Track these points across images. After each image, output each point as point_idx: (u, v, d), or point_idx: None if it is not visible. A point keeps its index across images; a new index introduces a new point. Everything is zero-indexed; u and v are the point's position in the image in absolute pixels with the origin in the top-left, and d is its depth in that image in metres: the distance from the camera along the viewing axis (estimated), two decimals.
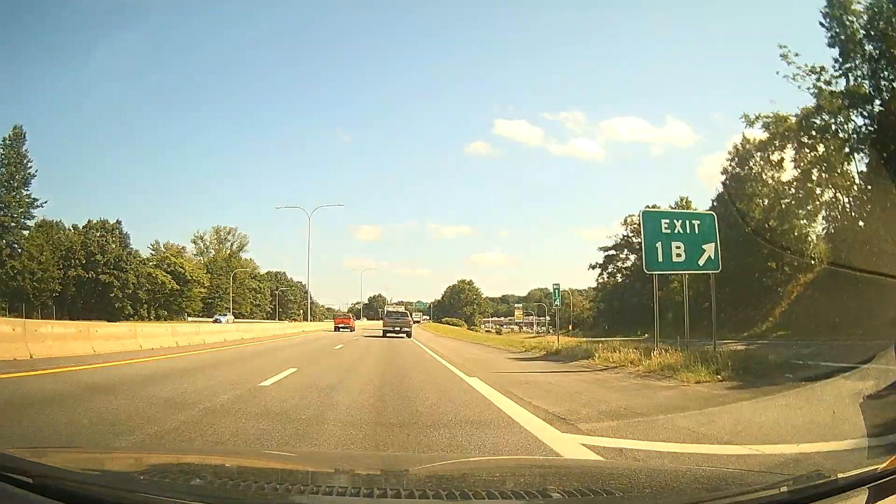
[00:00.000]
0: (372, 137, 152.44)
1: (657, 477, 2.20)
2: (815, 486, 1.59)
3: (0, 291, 55.18)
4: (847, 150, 30.50)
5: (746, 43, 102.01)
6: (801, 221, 36.92)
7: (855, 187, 31.96)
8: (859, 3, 27.73)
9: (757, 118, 35.93)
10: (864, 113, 28.69)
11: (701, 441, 4.78)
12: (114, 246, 69.67)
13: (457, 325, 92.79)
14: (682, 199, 68.67)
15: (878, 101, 27.55)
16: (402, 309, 42.36)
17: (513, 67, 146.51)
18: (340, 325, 49.04)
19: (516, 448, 4.66)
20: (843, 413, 4.94)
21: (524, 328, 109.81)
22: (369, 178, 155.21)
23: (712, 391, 7.78)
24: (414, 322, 47.24)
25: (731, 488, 1.84)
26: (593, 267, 70.06)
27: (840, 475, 1.62)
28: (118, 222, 72.07)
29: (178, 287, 76.30)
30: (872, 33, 27.31)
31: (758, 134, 38.82)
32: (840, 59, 28.93)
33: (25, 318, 25.31)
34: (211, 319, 62.29)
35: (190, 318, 69.91)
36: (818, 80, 29.82)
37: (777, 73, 30.89)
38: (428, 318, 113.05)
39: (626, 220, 70.04)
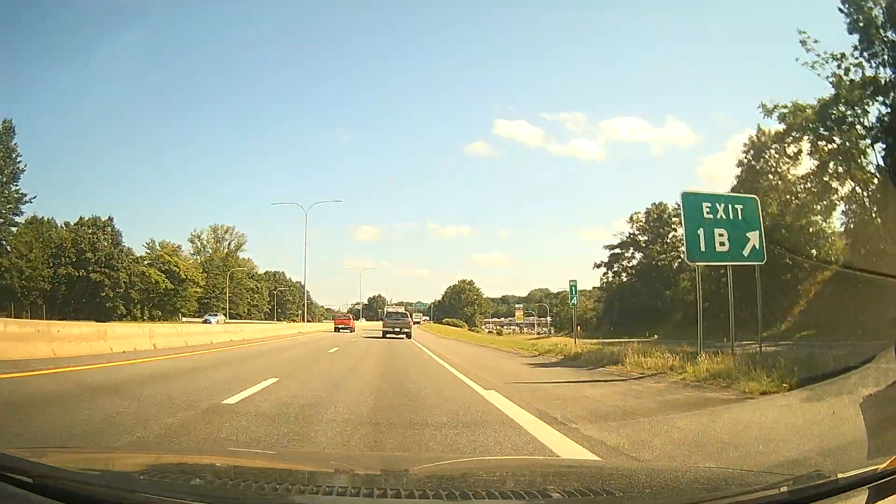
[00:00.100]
0: (372, 137, 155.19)
1: (657, 477, 2.24)
2: (815, 486, 1.62)
3: None
4: (868, 140, 30.44)
5: (746, 43, 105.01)
6: (817, 218, 36.82)
7: (876, 179, 31.82)
8: None
9: (775, 108, 35.86)
10: (886, 101, 28.65)
11: None
12: (105, 243, 69.65)
13: (457, 326, 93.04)
14: None
15: None
16: (401, 310, 43.04)
17: (513, 67, 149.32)
18: (340, 326, 49.90)
19: None
20: None
21: (525, 329, 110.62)
22: (369, 178, 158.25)
23: (798, 407, 6.62)
24: (414, 323, 47.80)
25: (731, 488, 1.87)
26: (598, 266, 70.52)
27: (840, 475, 1.65)
28: (110, 219, 72.00)
29: (173, 287, 76.32)
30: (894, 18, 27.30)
31: (773, 125, 38.72)
32: (860, 46, 28.89)
33: (14, 317, 24.66)
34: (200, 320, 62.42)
35: (184, 319, 70.01)
36: (839, 66, 29.80)
37: (796, 59, 30.85)
38: (428, 318, 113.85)
39: (632, 218, 70.30)
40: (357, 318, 75.20)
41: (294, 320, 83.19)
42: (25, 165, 58.70)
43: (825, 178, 34.89)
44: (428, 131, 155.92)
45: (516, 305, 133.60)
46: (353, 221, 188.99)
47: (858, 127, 30.38)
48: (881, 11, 27.85)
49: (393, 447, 5.12)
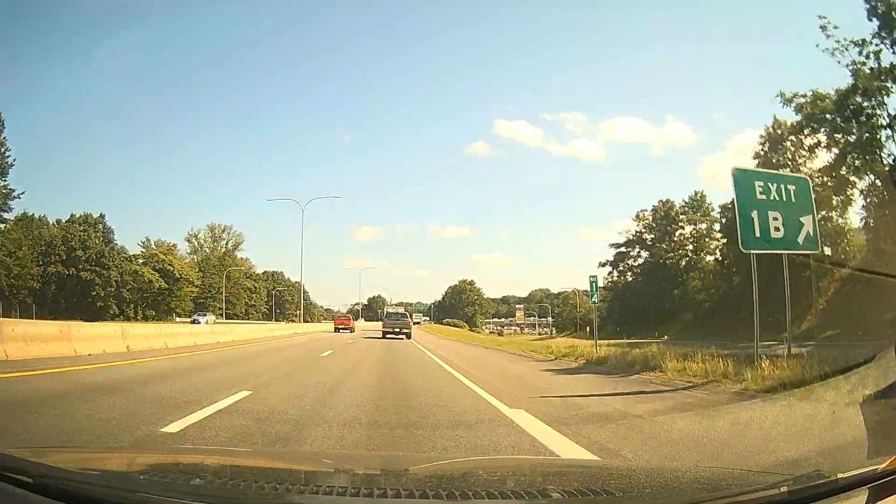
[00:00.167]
0: (372, 137, 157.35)
1: (657, 477, 2.29)
2: (815, 486, 1.67)
3: None
4: (889, 131, 30.35)
5: (746, 43, 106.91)
6: (833, 213, 36.70)
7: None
8: None
9: (793, 96, 35.76)
10: None
11: None
12: (96, 241, 69.68)
13: (458, 327, 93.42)
14: (696, 194, 68.48)
15: None
16: (401, 310, 43.83)
17: (513, 67, 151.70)
18: (340, 327, 51.19)
19: None
20: None
21: (526, 330, 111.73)
22: (369, 178, 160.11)
23: None
24: (414, 323, 48.75)
25: (731, 488, 1.92)
26: (603, 265, 70.77)
27: (840, 475, 1.69)
28: (101, 216, 72.18)
29: (167, 286, 76.46)
30: None
31: (789, 115, 38.59)
32: (880, 33, 28.82)
33: (2, 317, 24.55)
34: (189, 319, 62.47)
35: (178, 319, 70.16)
36: (860, 53, 29.73)
37: (816, 45, 31.00)
38: (428, 319, 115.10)
39: (638, 216, 70.34)
40: (356, 319, 75.70)
41: (292, 321, 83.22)
42: (14, 160, 58.51)
43: (843, 172, 34.80)
44: (428, 131, 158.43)
45: (517, 306, 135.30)
46: (353, 221, 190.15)
47: (877, 118, 30.31)
48: None
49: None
